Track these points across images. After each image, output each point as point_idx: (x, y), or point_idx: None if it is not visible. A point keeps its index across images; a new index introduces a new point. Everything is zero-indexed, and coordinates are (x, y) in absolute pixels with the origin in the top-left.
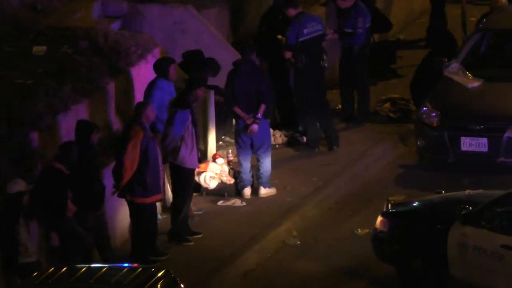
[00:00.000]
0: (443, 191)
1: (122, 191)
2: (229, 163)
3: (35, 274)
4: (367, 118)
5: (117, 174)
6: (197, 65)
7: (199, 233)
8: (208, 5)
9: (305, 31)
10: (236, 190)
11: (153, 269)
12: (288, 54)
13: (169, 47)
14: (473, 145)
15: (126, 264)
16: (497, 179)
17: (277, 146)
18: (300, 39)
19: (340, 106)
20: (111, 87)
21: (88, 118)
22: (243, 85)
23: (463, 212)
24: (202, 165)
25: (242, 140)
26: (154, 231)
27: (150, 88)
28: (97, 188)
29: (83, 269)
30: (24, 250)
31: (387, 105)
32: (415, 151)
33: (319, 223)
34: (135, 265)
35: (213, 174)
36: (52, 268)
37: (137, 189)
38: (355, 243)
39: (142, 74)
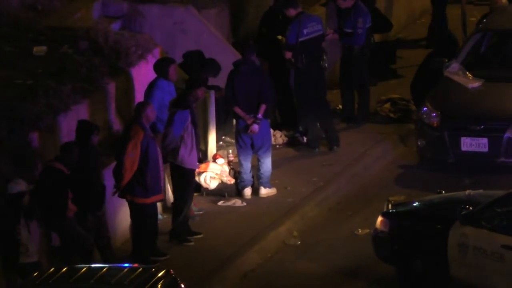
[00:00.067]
0: (444, 191)
1: (123, 191)
2: (229, 163)
3: (35, 274)
4: (367, 118)
5: (118, 174)
6: (197, 65)
7: (199, 233)
8: (208, 5)
9: (305, 31)
10: (236, 190)
11: (153, 269)
12: (288, 54)
13: (169, 47)
14: (473, 145)
15: (126, 264)
16: (497, 179)
17: (277, 146)
18: (300, 39)
19: (340, 106)
20: (111, 87)
21: (88, 118)
22: (244, 85)
23: (463, 212)
24: (203, 165)
25: (242, 140)
26: (155, 231)
27: (150, 88)
28: (97, 188)
29: (84, 269)
30: (25, 250)
31: (387, 105)
32: (416, 151)
33: (320, 223)
34: (136, 265)
35: (214, 174)
36: (53, 268)
37: (138, 189)
38: (356, 243)
39: (142, 74)
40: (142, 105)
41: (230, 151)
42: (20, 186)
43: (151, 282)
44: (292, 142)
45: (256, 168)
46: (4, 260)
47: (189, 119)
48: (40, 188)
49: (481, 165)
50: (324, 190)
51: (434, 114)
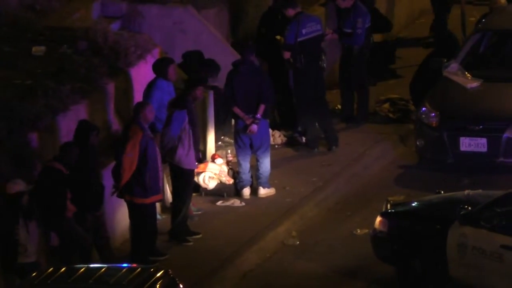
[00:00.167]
0: (443, 191)
1: (122, 192)
2: (228, 163)
3: (34, 274)
4: (366, 119)
5: (117, 174)
6: (196, 65)
7: (198, 234)
8: (208, 5)
9: (303, 31)
10: (235, 190)
11: (152, 269)
12: (287, 55)
13: (168, 47)
14: (472, 145)
15: (125, 264)
16: (496, 179)
17: (276, 146)
18: (299, 39)
19: (339, 106)
20: (111, 87)
21: (87, 119)
22: (243, 85)
23: (462, 212)
24: (201, 166)
25: (241, 140)
26: (154, 231)
27: (150, 88)
28: (96, 188)
29: (82, 269)
30: (23, 251)
31: (387, 105)
32: (415, 151)
33: (319, 223)
34: (134, 265)
35: (212, 174)
36: (51, 268)
37: (136, 189)
38: (355, 244)
39: (142, 74)
40: (141, 105)
41: (229, 151)
42: (19, 186)
43: (149, 282)
44: (291, 142)
45: (255, 168)
46: (3, 260)
47: (187, 119)
48: (39, 188)
49: (480, 165)
50: (323, 190)
51: (433, 114)
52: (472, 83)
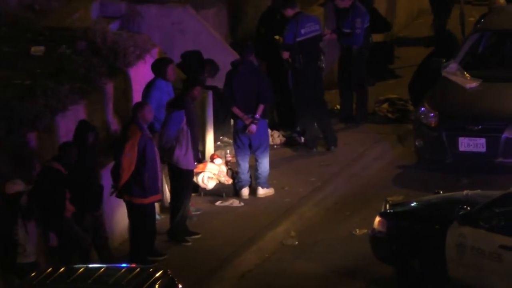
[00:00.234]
0: (441, 192)
1: (121, 192)
2: (227, 163)
3: (33, 274)
4: (365, 119)
5: (115, 174)
6: (195, 65)
7: (197, 234)
8: (207, 6)
9: (302, 31)
10: (234, 190)
11: (151, 270)
12: (286, 55)
13: (167, 47)
14: (471, 145)
15: (124, 265)
16: (495, 179)
17: (275, 146)
18: (298, 39)
19: (338, 106)
20: (109, 87)
21: (86, 119)
22: (242, 85)
23: (461, 213)
24: (200, 166)
25: (240, 140)
26: (153, 232)
27: (149, 88)
28: (95, 188)
29: (81, 270)
30: (22, 251)
31: (385, 105)
32: (413, 152)
33: (317, 223)
34: (133, 265)
35: (211, 174)
36: (50, 269)
37: (135, 189)
38: (354, 244)
39: (141, 74)
40: (139, 106)
41: (228, 151)
42: (18, 186)
43: (148, 282)
44: (290, 142)
45: (254, 168)
46: (2, 260)
47: (184, 120)
48: (38, 188)
49: (479, 165)
50: (322, 190)
51: (432, 114)
52: (471, 83)
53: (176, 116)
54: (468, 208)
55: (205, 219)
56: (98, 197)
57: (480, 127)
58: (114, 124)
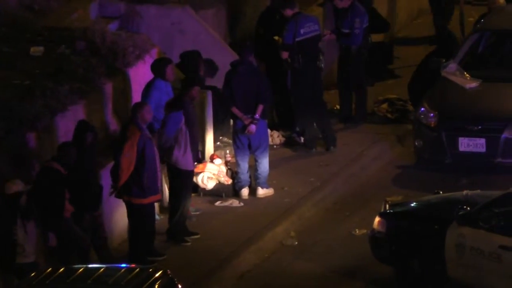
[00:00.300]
0: (441, 192)
1: (120, 192)
2: (226, 163)
3: (32, 274)
4: (364, 119)
5: (115, 174)
6: (194, 65)
7: (196, 234)
8: (205, 6)
9: (301, 31)
10: (233, 190)
11: (150, 270)
12: (285, 55)
13: (166, 47)
14: (471, 145)
15: (123, 265)
16: (494, 179)
17: (274, 146)
18: (297, 39)
19: (337, 106)
20: (109, 87)
21: (85, 119)
22: (241, 85)
23: (460, 213)
24: (200, 166)
25: (240, 140)
26: (152, 232)
27: (148, 88)
28: (94, 188)
29: (81, 270)
30: (22, 251)
31: (385, 105)
32: (413, 152)
33: (317, 223)
34: (133, 265)
35: (211, 174)
36: (50, 269)
37: (135, 189)
38: (353, 244)
39: (140, 74)
40: (138, 106)
41: (228, 151)
42: (17, 186)
43: (148, 283)
44: (289, 143)
45: (253, 168)
46: (1, 260)
47: (183, 120)
48: (38, 188)
49: (478, 165)
50: (321, 190)
51: (431, 115)
52: (470, 83)
53: (175, 116)
54: (468, 208)
55: (205, 219)
56: (97, 197)
57: (479, 127)
58: (113, 124)
